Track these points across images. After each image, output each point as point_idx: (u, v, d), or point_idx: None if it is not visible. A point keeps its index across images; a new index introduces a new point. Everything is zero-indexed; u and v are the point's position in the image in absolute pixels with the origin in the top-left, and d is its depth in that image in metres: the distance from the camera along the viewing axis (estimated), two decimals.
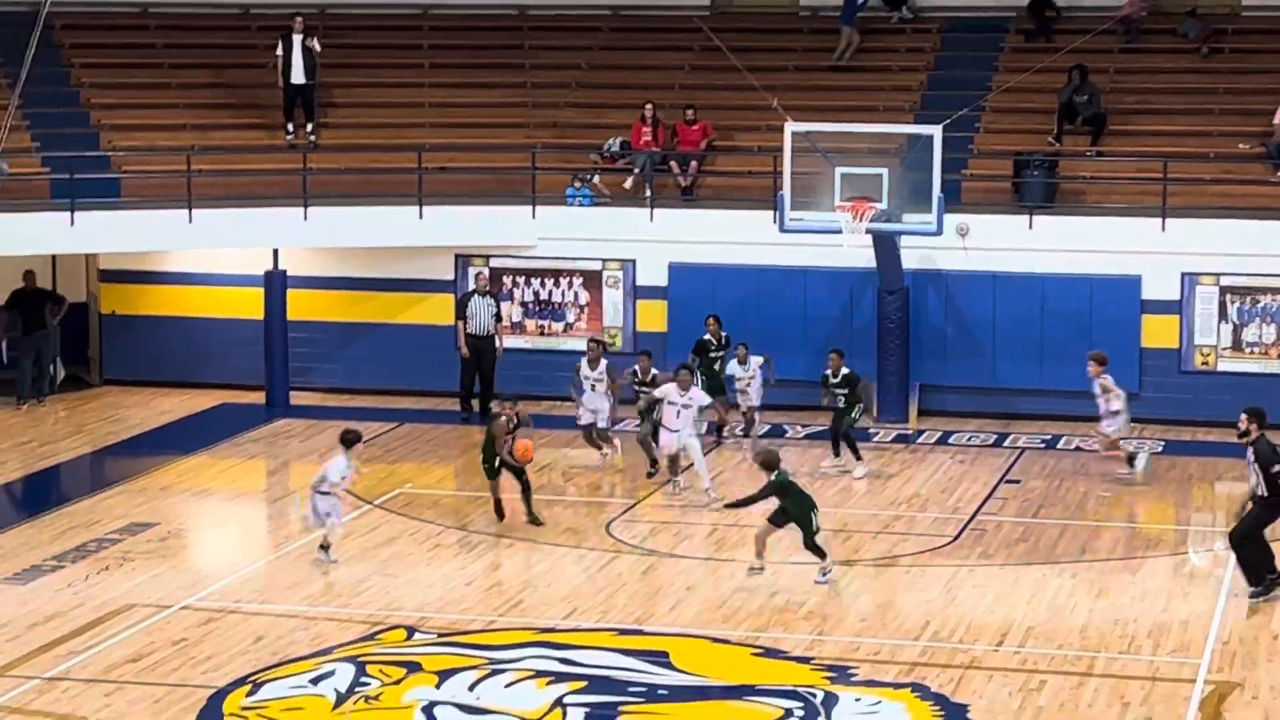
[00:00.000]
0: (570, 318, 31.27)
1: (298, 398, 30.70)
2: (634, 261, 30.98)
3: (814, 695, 17.90)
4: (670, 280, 30.78)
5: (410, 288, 31.32)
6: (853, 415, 26.24)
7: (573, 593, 20.99)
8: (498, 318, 30.11)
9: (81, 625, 19.68)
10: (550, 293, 31.37)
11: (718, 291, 30.27)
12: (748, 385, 28.11)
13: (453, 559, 22.16)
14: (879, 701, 17.74)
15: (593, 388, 26.56)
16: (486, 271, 30.78)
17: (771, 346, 29.65)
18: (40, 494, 26.04)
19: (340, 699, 17.69)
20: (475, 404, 30.15)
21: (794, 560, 22.20)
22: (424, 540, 22.88)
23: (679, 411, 24.82)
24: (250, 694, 17.86)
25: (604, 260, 31.11)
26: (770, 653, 19.11)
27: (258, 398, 30.68)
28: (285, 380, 30.77)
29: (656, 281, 30.85)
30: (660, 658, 18.77)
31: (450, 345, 30.56)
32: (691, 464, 25.23)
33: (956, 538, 23.41)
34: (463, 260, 31.35)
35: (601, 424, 26.65)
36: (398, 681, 18.11)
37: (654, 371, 26.58)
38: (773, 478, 20.80)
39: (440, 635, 19.35)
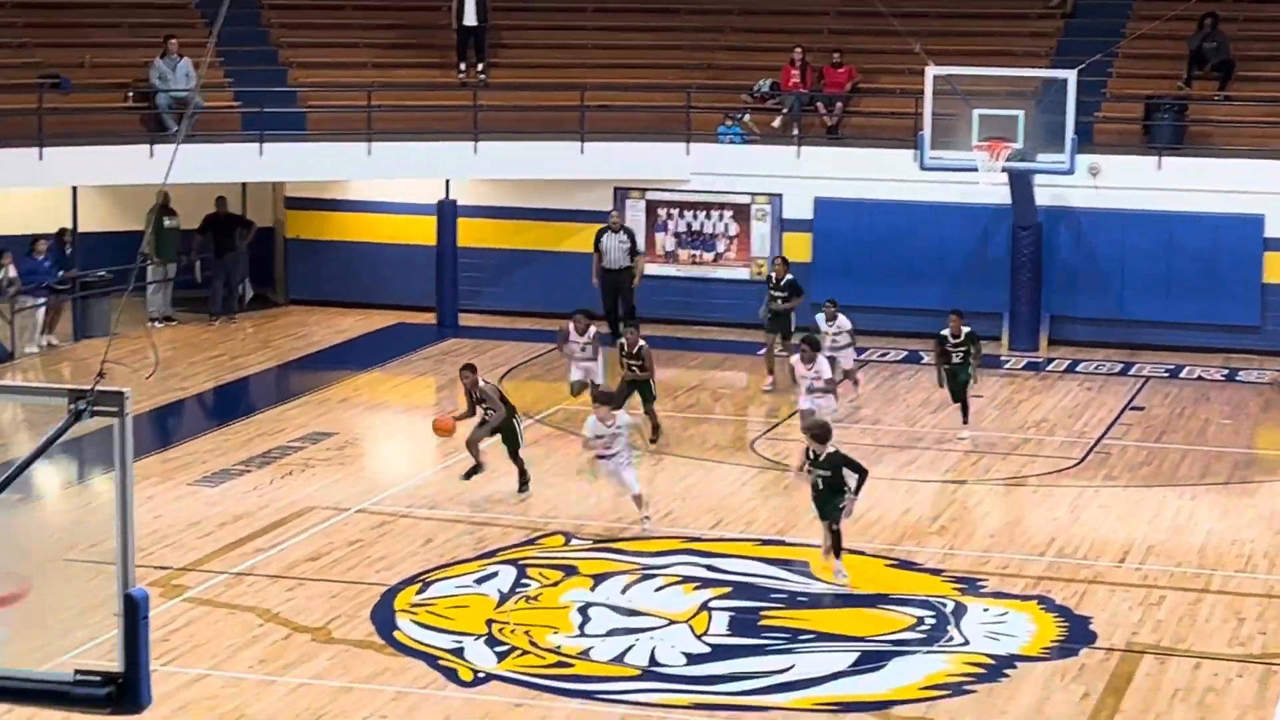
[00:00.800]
0: (720, 248, 31.17)
1: (466, 319, 30.84)
2: (781, 196, 30.81)
3: (944, 605, 17.84)
4: (815, 214, 30.58)
5: (571, 218, 31.33)
6: (969, 374, 23.95)
7: (719, 505, 21.00)
8: (633, 252, 29.66)
9: (265, 525, 19.93)
10: (702, 224, 31.26)
11: (859, 225, 30.08)
12: (832, 344, 25.16)
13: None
14: (1006, 612, 17.65)
15: (584, 350, 24.43)
16: (618, 212, 30.40)
17: (909, 278, 29.48)
18: (229, 404, 26.35)
19: (503, 598, 17.82)
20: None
21: (928, 479, 22.11)
22: (581, 453, 22.91)
23: (610, 441, 19.82)
24: (420, 592, 18.03)
25: (753, 195, 30.95)
26: (903, 565, 19.05)
27: (429, 318, 30.85)
28: (454, 302, 30.93)
29: (802, 215, 30.67)
30: (801, 567, 18.76)
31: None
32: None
33: (1082, 460, 23.19)
34: (621, 193, 31.31)
35: (598, 380, 24.24)
36: (555, 584, 18.21)
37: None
38: (829, 450, 18.10)
39: (595, 542, 19.43)
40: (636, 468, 20.25)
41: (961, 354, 23.85)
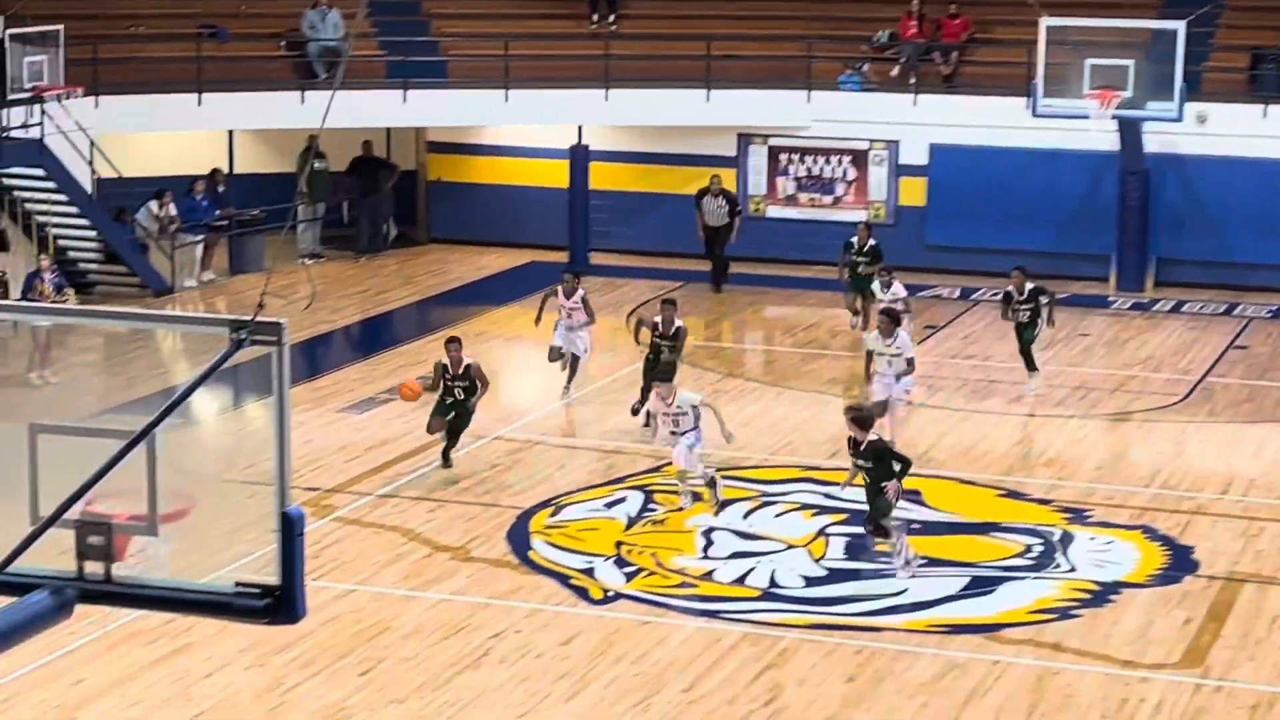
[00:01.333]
0: (839, 192, 30.99)
1: (596, 258, 30.87)
2: (898, 142, 30.55)
3: (1052, 533, 17.74)
4: (931, 160, 30.32)
5: (696, 162, 31.22)
6: (1035, 331, 22.67)
7: (835, 436, 20.93)
8: (731, 213, 29.14)
9: (408, 451, 20.09)
10: (821, 169, 31.08)
11: (973, 170, 29.80)
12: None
13: (731, 403, 22.19)
14: (1111, 541, 17.53)
15: (569, 315, 22.09)
16: (720, 176, 29.70)
17: (1021, 222, 29.20)
18: (375, 336, 26.56)
19: (631, 522, 17.90)
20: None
21: (1036, 414, 21.95)
22: (705, 386, 22.92)
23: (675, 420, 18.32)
24: (553, 515, 18.14)
25: (870, 141, 30.72)
26: (1013, 494, 18.95)
27: (561, 257, 30.89)
28: (586, 242, 30.96)
29: (918, 160, 30.41)
30: (914, 496, 18.70)
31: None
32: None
33: (1186, 396, 22.93)
34: (744, 139, 31.18)
35: (578, 352, 22.21)
36: (681, 509, 18.26)
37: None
38: (872, 439, 16.21)
39: (719, 470, 19.44)
40: (696, 446, 18.14)
41: (1027, 311, 22.53)
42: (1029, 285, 22.66)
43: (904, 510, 16.95)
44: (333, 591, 15.85)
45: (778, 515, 18.15)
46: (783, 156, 31.20)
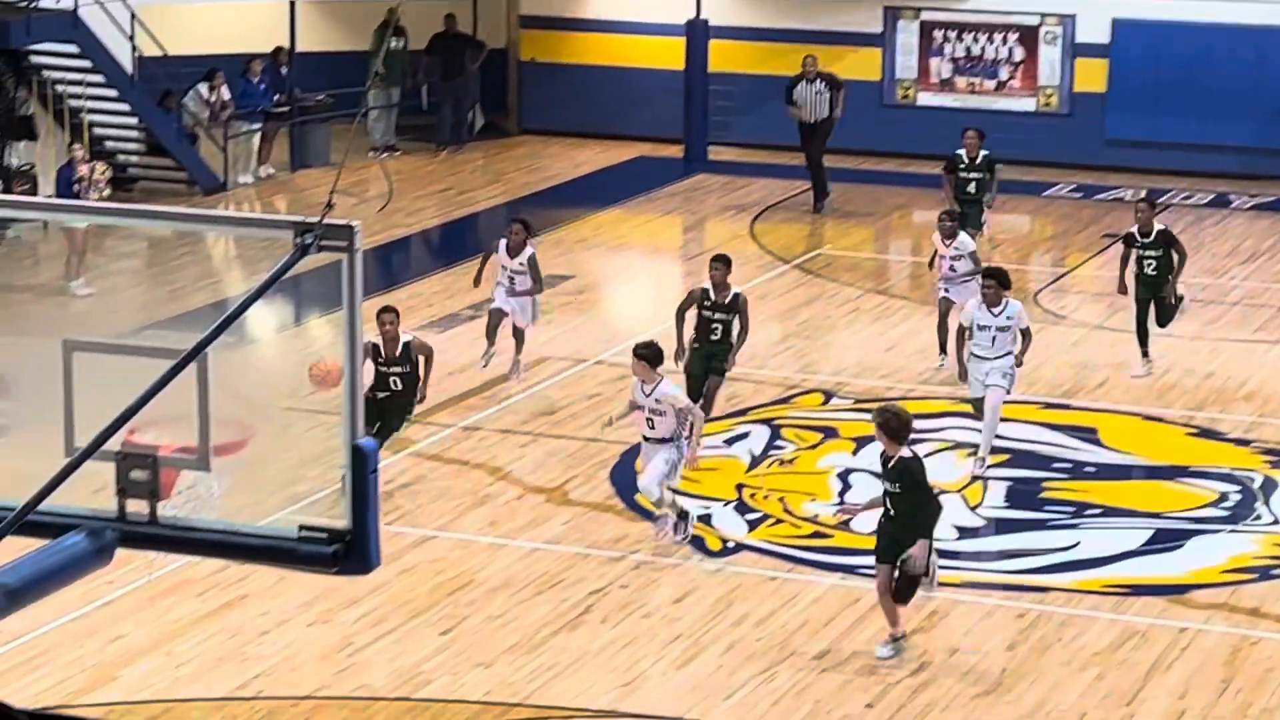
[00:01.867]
0: (1003, 75, 30.71)
1: (715, 152, 30.76)
2: (1074, 17, 30.19)
3: (1252, 480, 17.60)
4: (1113, 37, 29.95)
5: (836, 40, 31.02)
6: (1167, 290, 20.14)
7: None
8: (833, 102, 27.71)
9: (497, 376, 20.16)
10: (983, 49, 30.81)
11: (1163, 51, 29.40)
12: (949, 271, 20.38)
13: (872, 324, 22.15)
14: None
15: (511, 280, 19.68)
16: (815, 57, 28.21)
17: (1218, 111, 28.83)
18: (457, 242, 26.65)
19: (754, 461, 17.91)
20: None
21: (1235, 338, 21.74)
22: (842, 303, 22.90)
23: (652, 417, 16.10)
24: None
25: (1042, 15, 30.38)
26: (1205, 433, 18.81)
27: (675, 151, 30.83)
28: (704, 134, 30.84)
29: (1098, 39, 30.05)
30: (1088, 433, 18.59)
31: (872, 102, 30.39)
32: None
33: None
34: (891, 13, 30.94)
35: (521, 323, 19.86)
36: (813, 446, 18.25)
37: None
38: (904, 454, 13.89)
39: (857, 401, 19.38)
40: (676, 467, 16.06)
41: (1154, 261, 20.12)
42: (1158, 227, 20.32)
43: (1073, 449, 16.81)
44: (409, 538, 15.98)
45: (927, 455, 18.06)
46: (937, 34, 30.94)
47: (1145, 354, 20.29)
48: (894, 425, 13.83)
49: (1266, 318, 22.65)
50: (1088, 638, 14.54)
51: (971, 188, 23.09)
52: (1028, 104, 30.40)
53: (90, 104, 27.29)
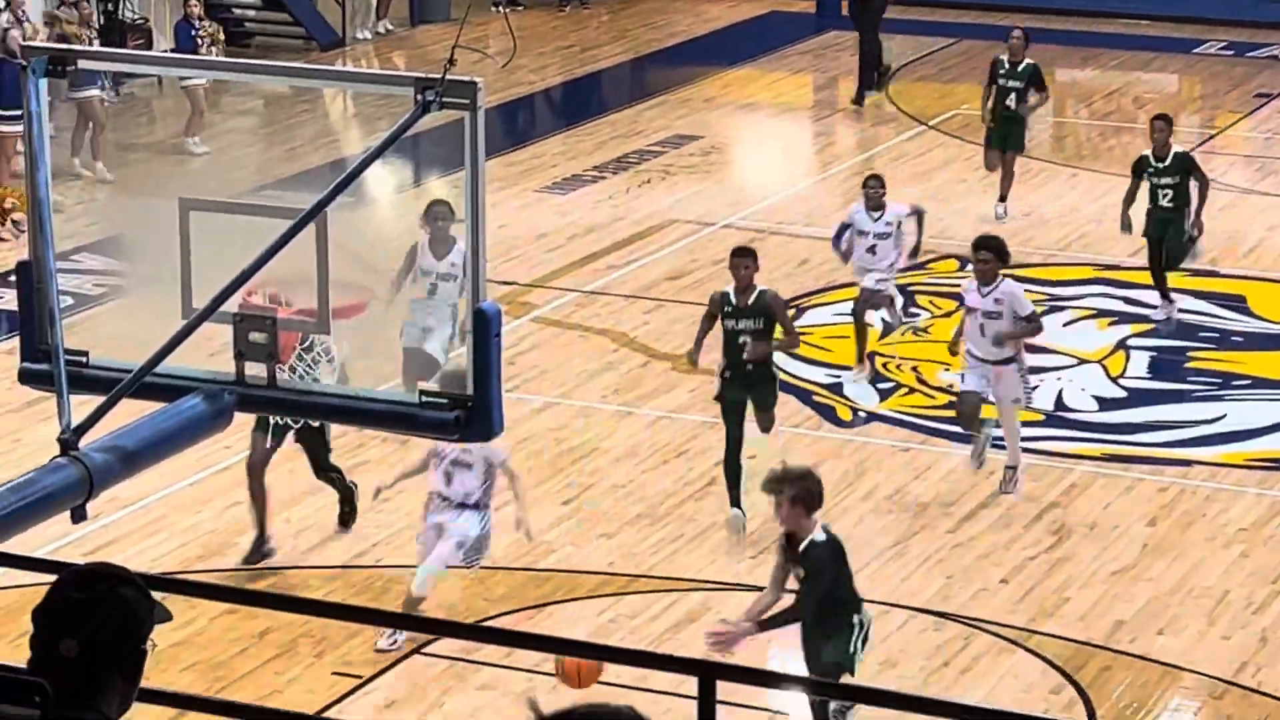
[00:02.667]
0: None
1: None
2: None
3: None
4: None
5: None
6: (1188, 234, 17.84)
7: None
8: None
9: (621, 239, 20.19)
10: None
11: None
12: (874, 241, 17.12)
13: (1013, 186, 21.92)
14: None
15: (430, 293, 15.02)
16: None
17: None
18: (580, 101, 26.60)
19: (887, 329, 17.85)
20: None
21: None
22: (979, 166, 22.68)
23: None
24: (794, 318, 18.13)
25: None
26: None
27: (808, 6, 30.59)
28: None
29: None
30: (1236, 302, 18.42)
31: None
32: None
33: None
34: None
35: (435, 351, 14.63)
36: (948, 314, 18.16)
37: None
38: (817, 536, 11.14)
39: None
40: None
41: (1170, 191, 17.86)
42: (1174, 149, 18.05)
43: (1220, 318, 16.62)
44: (531, 405, 16.05)
45: (1066, 324, 18.00)
46: None
47: (1166, 296, 18.01)
48: (791, 488, 11.13)
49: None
50: (1232, 514, 14.47)
51: (1011, 100, 20.65)
52: None
53: None
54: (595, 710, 3.39)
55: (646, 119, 24.97)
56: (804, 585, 11.09)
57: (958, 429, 15.64)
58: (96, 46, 21.02)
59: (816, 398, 16.44)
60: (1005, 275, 14.72)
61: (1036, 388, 15.26)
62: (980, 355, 14.62)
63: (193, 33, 23.34)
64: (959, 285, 16.47)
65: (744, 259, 14.52)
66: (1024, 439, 15.17)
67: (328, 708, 11.75)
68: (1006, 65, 20.64)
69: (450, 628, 11.40)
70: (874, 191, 16.90)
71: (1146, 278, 18.70)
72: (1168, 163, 17.82)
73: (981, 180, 21.66)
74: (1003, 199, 20.81)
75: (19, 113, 8.16)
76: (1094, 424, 15.96)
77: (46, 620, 4.35)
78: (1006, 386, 14.57)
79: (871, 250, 16.78)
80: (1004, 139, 20.52)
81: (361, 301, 8.88)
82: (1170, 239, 17.79)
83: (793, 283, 18.98)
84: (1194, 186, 17.89)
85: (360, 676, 12.21)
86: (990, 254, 14.59)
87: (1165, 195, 17.93)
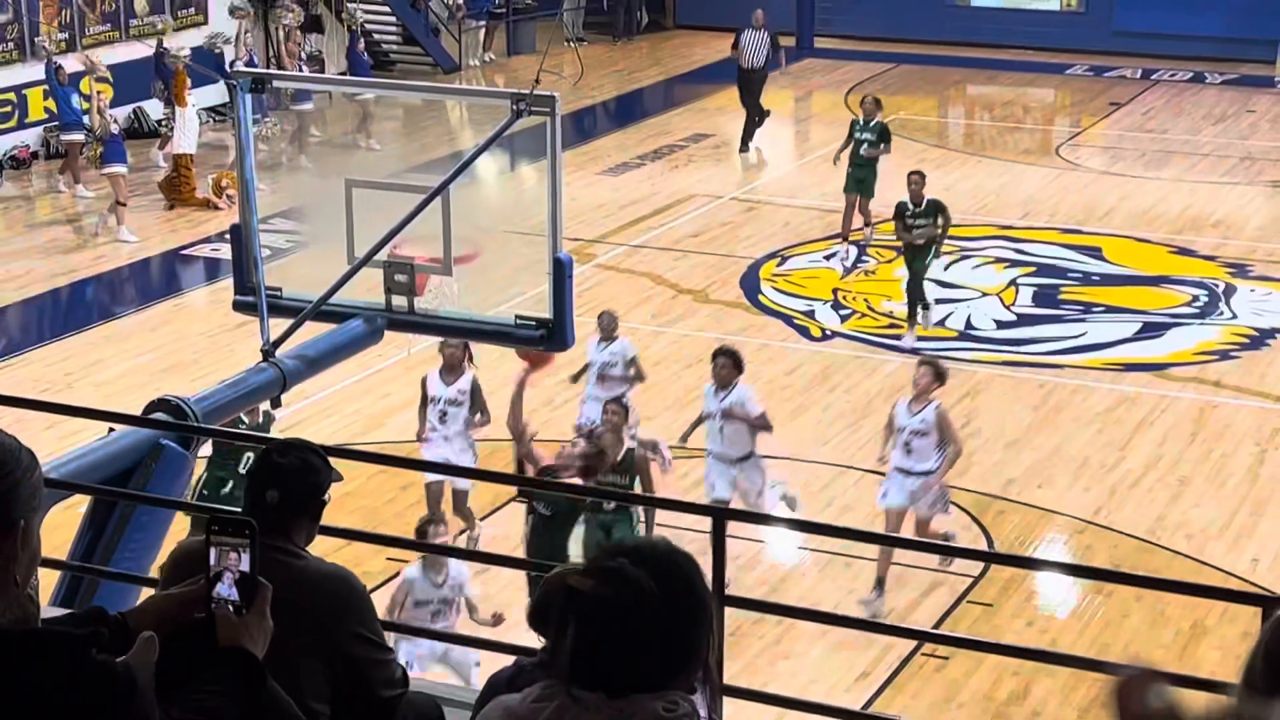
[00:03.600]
0: None
1: (820, 41, 30.22)
2: None
3: (1217, 285, 17.26)
4: None
5: None
6: (929, 259, 15.81)
7: (1028, 199, 20.51)
8: (770, 55, 22.81)
9: (657, 208, 20.10)
10: None
11: None
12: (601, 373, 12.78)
13: (934, 170, 21.72)
14: (1270, 293, 17.03)
15: (440, 419, 11.58)
16: (760, 11, 23.06)
17: (1198, 6, 27.90)
18: (628, 110, 26.44)
19: (846, 271, 17.77)
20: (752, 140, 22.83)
21: (1207, 180, 21.24)
22: (913, 155, 22.50)
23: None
24: (779, 264, 18.08)
25: None
26: (1183, 251, 18.43)
27: (789, 41, 30.13)
28: (811, 27, 30.29)
29: None
30: (1095, 252, 18.31)
31: (937, 5, 29.67)
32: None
33: None
34: None
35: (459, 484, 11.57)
36: (889, 261, 18.07)
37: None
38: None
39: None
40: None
41: (922, 226, 15.58)
42: (927, 196, 15.58)
43: (1083, 263, 16.46)
44: (593, 325, 15.99)
45: (975, 267, 17.90)
46: None
47: (912, 319, 15.73)
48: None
49: (1230, 165, 22.09)
50: (1091, 402, 14.41)
51: (863, 151, 17.93)
52: (1054, 4, 29.61)
53: (361, 6, 27.20)
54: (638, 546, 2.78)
55: (675, 122, 24.81)
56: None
57: (897, 342, 15.54)
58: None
59: (795, 320, 16.37)
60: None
61: (775, 490, 11.55)
62: (717, 454, 11.25)
63: (364, 63, 23.31)
64: (897, 241, 16.31)
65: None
66: (944, 352, 15.04)
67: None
68: (862, 122, 18.01)
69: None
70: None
71: (1033, 234, 18.60)
72: (922, 208, 15.66)
73: (914, 164, 21.47)
74: (844, 238, 17.88)
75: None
76: (993, 339, 15.86)
77: (257, 477, 4.37)
78: (748, 479, 11.25)
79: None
80: (859, 183, 17.90)
81: (475, 253, 8.84)
82: (918, 264, 15.64)
83: (777, 239, 18.90)
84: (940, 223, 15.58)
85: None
86: (727, 360, 11.37)
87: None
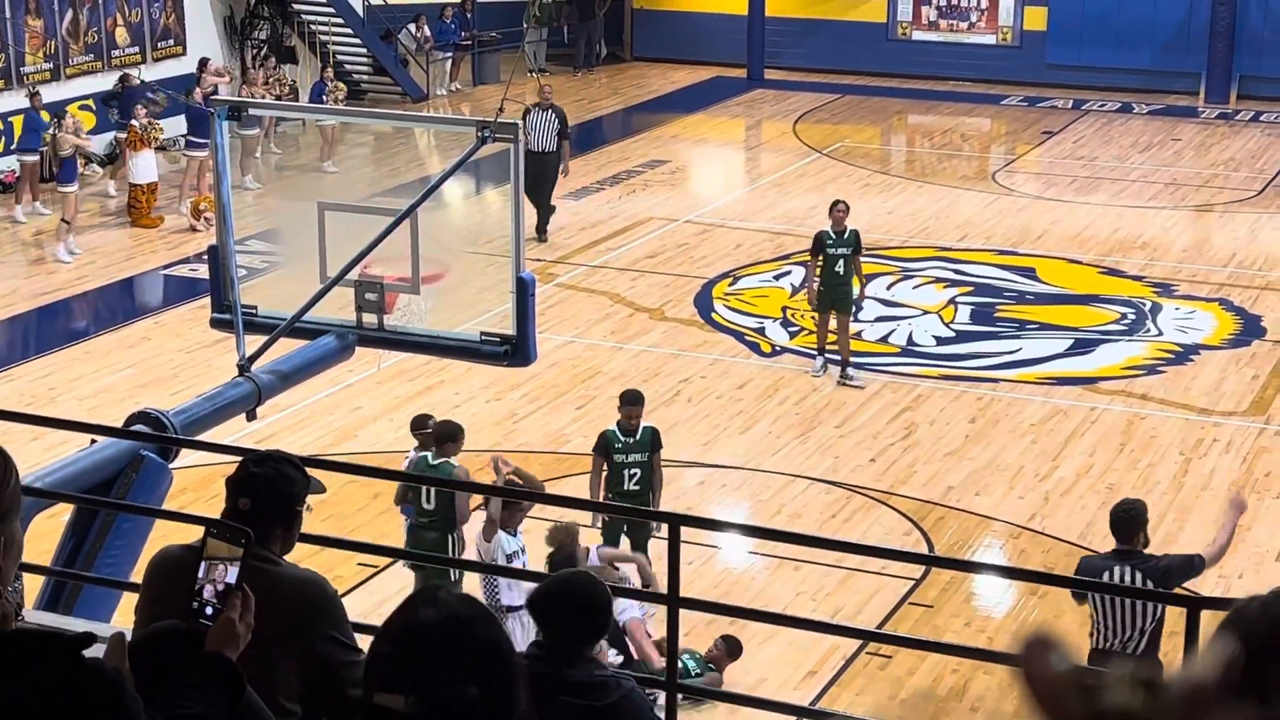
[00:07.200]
0: (973, 18, 29.94)
1: (770, 73, 30.30)
2: None
3: (1143, 304, 17.38)
4: None
5: None
6: (857, 303, 15.22)
7: (965, 223, 20.61)
8: (561, 134, 19.03)
9: (615, 230, 20.10)
10: None
11: (1087, 1, 28.62)
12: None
13: (877, 194, 21.92)
14: (1193, 311, 17.14)
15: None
16: (550, 86, 20.46)
17: (1126, 42, 28.12)
18: (590, 137, 26.40)
19: (794, 291, 17.79)
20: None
21: (1133, 205, 21.38)
22: (858, 181, 22.64)
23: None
24: (731, 284, 18.10)
25: None
26: (1111, 272, 18.55)
27: (740, 73, 30.42)
28: (761, 60, 30.38)
29: None
30: (1029, 272, 18.40)
31: (879, 38, 29.81)
32: None
33: (1261, 192, 22.17)
34: None
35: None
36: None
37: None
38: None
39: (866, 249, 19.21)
40: None
41: (843, 261, 14.68)
42: (848, 226, 14.78)
43: (1018, 283, 16.51)
44: (555, 342, 16.01)
45: (915, 287, 17.96)
46: None
47: (823, 351, 15.12)
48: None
49: (1156, 191, 22.26)
50: (1026, 414, 14.47)
51: (840, 266, 14.80)
52: (990, 39, 29.79)
53: (334, 38, 27.15)
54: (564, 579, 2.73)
55: (632, 149, 24.83)
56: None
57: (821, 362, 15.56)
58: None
59: (747, 337, 16.40)
60: None
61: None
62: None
63: (324, 90, 23.19)
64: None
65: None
66: (886, 366, 15.07)
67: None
68: (833, 235, 14.85)
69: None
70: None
71: (969, 256, 18.68)
72: (844, 238, 14.87)
73: (858, 189, 21.58)
74: (821, 351, 15.23)
75: (206, 141, 8.09)
76: (933, 354, 15.92)
77: (232, 485, 4.35)
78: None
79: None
80: (833, 303, 14.85)
81: (442, 272, 8.82)
82: (839, 300, 14.83)
83: (730, 259, 18.92)
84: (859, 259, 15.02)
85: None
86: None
87: (839, 264, 14.73)
